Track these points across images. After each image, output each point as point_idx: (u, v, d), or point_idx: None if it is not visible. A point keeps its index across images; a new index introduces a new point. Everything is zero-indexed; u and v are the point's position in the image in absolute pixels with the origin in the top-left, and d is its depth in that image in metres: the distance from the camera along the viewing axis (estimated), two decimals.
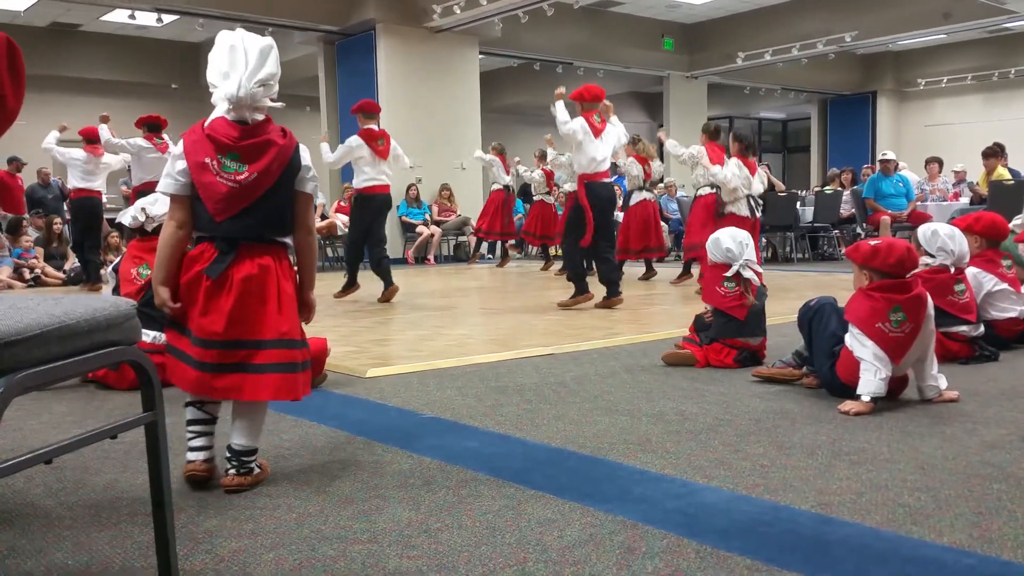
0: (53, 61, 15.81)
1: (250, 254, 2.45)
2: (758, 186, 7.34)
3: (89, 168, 9.54)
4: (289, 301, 2.52)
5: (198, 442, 2.56)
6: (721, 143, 7.92)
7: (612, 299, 6.84)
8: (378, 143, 7.44)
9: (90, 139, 9.48)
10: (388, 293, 7.62)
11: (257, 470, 2.55)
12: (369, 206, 7.53)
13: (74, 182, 9.69)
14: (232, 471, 2.50)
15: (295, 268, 2.60)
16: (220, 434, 2.62)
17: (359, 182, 7.55)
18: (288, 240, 2.56)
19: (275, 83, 2.51)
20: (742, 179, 7.18)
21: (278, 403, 3.58)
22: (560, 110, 6.83)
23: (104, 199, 10.05)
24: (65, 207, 11.71)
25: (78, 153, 9.54)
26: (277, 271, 2.48)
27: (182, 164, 2.44)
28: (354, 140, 7.44)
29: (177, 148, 2.49)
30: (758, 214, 7.39)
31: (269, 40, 2.52)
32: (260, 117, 2.50)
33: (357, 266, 7.89)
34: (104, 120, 9.09)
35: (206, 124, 2.47)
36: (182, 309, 2.45)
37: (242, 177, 2.41)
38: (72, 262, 11.18)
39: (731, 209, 7.26)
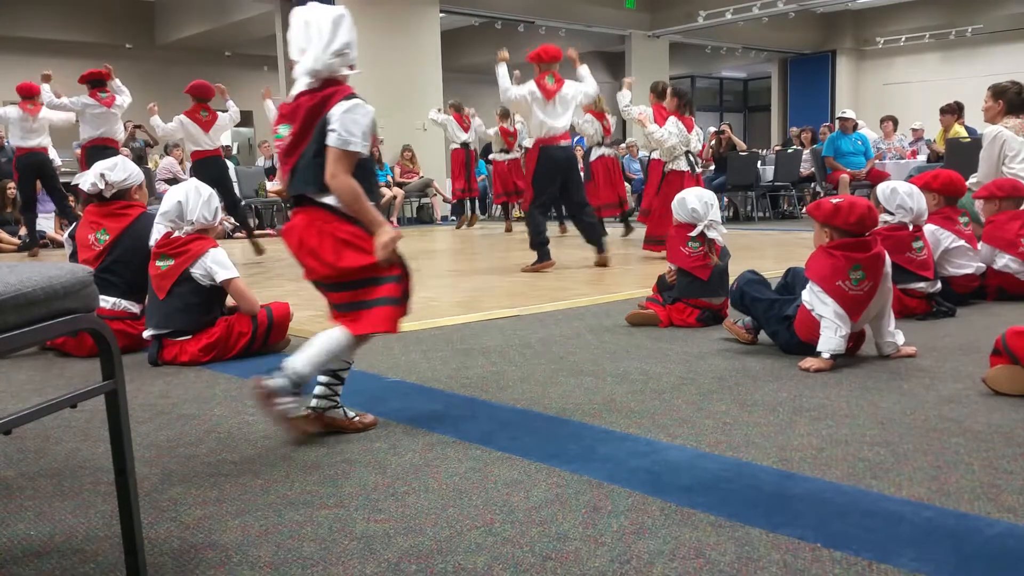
0: (4, 22, 15.35)
1: (298, 209, 2.59)
2: (695, 143, 7.37)
3: (27, 125, 9.30)
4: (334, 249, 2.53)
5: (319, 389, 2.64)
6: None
7: (601, 255, 6.94)
8: None
9: (27, 95, 9.23)
10: None
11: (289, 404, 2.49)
12: None
13: (15, 141, 9.45)
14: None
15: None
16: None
17: None
18: (331, 199, 2.52)
19: (351, 51, 2.55)
20: (680, 136, 7.20)
21: (243, 369, 3.57)
22: (502, 77, 6.72)
23: (55, 158, 9.82)
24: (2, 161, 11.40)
25: (13, 111, 9.30)
26: (306, 228, 2.54)
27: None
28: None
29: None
30: (698, 169, 7.42)
31: (340, 9, 2.54)
32: (299, 87, 2.54)
33: None
34: (46, 80, 8.85)
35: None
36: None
37: (286, 140, 2.54)
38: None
39: (671, 167, 7.29)
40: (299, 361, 2.49)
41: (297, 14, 2.53)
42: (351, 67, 2.57)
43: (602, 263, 6.90)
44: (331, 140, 2.46)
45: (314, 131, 2.49)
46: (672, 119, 7.24)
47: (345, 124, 2.46)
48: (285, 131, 2.54)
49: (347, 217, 2.52)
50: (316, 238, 2.52)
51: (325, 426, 2.64)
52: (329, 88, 2.51)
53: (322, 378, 2.62)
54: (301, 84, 2.53)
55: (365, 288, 2.55)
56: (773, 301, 3.68)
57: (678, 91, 7.47)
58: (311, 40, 2.49)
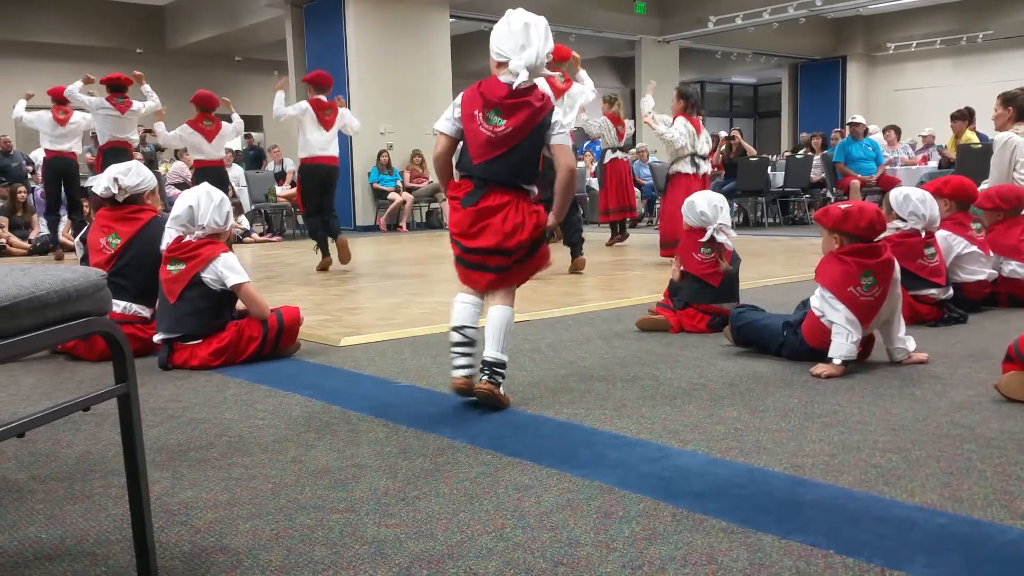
0: (14, 26, 15.44)
1: (496, 192, 2.90)
2: (703, 145, 7.34)
3: (58, 131, 9.38)
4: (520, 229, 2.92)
5: (461, 360, 2.96)
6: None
7: (576, 260, 7.00)
8: (325, 113, 7.40)
9: (57, 99, 9.31)
10: (341, 246, 7.62)
11: (502, 389, 2.94)
12: (311, 177, 7.50)
13: (46, 144, 9.54)
14: (485, 377, 2.91)
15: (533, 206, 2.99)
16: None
17: (301, 151, 7.51)
18: (531, 187, 2.97)
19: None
20: (688, 137, 7.19)
21: (253, 373, 3.58)
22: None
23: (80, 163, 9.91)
24: (39, 172, 11.44)
25: (44, 116, 9.39)
26: (512, 207, 2.90)
27: (457, 112, 2.93)
28: (305, 104, 7.41)
29: (456, 98, 2.97)
30: (703, 170, 7.39)
31: (543, 19, 2.92)
32: (530, 82, 2.86)
33: (321, 236, 7.76)
34: (87, 82, 8.94)
35: (481, 84, 2.93)
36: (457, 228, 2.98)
37: (499, 129, 2.84)
38: (38, 231, 11.00)
39: (676, 168, 7.27)
40: (496, 351, 2.92)
41: (515, 15, 2.88)
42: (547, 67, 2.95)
43: (577, 267, 6.99)
44: (555, 140, 2.92)
45: (533, 131, 2.86)
46: (680, 119, 7.23)
47: (564, 127, 2.95)
48: (496, 116, 2.85)
49: (529, 199, 2.97)
50: (521, 215, 2.91)
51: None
52: (537, 91, 2.89)
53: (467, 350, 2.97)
54: (521, 77, 2.81)
55: (534, 247, 2.98)
56: (767, 322, 3.68)
57: (684, 93, 7.43)
58: (531, 40, 2.84)
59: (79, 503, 2.17)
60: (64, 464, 2.48)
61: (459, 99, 2.95)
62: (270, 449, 2.58)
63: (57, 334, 1.50)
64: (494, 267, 2.96)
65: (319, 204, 7.56)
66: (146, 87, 9.00)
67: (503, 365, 2.95)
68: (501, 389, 2.95)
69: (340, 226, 7.77)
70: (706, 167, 7.36)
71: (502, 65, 2.89)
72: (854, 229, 3.38)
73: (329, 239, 7.67)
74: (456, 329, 2.99)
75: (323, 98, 7.45)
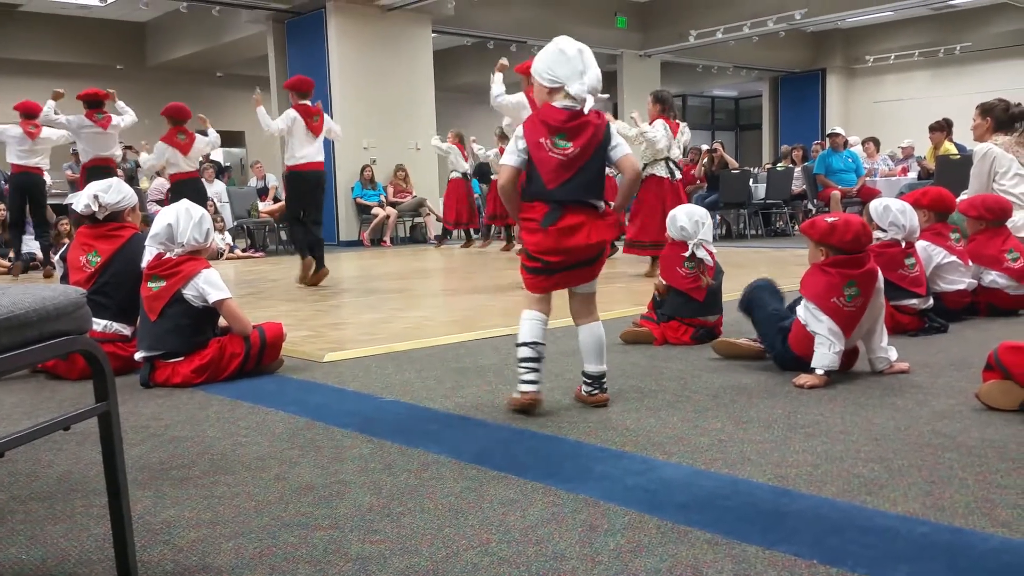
0: None
1: (572, 212, 2.98)
2: (676, 150, 7.39)
3: (27, 145, 9.28)
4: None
5: (530, 376, 3.03)
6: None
7: None
8: (313, 119, 7.40)
9: (27, 114, 9.22)
10: (319, 275, 7.57)
11: (607, 394, 3.14)
12: (302, 183, 7.46)
13: (12, 159, 9.43)
14: (594, 391, 3.13)
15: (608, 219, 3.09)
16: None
17: (290, 159, 7.47)
18: (600, 203, 3.05)
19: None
20: (667, 139, 7.24)
21: (236, 390, 3.56)
22: (497, 83, 6.71)
23: (48, 179, 9.81)
24: (3, 184, 11.36)
25: (14, 130, 9.29)
26: (590, 224, 3.00)
27: (523, 143, 3.02)
28: (293, 112, 7.38)
29: (519, 130, 3.06)
30: (677, 175, 7.42)
31: (578, 43, 3.04)
32: (589, 104, 2.98)
33: (303, 243, 7.70)
34: (57, 97, 8.86)
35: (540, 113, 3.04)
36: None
37: (568, 151, 2.94)
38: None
39: (649, 171, 7.31)
40: (597, 365, 3.11)
41: (565, 43, 3.01)
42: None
43: None
44: (622, 152, 3.04)
45: (598, 147, 2.98)
46: (660, 122, 7.29)
47: (617, 142, 3.05)
48: (562, 140, 2.96)
49: (599, 214, 3.06)
50: (601, 230, 3.02)
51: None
52: (592, 111, 2.98)
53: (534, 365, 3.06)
54: (589, 102, 2.96)
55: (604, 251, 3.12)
56: (776, 311, 3.68)
57: (659, 96, 7.49)
58: (587, 64, 2.98)
59: (60, 523, 2.15)
60: (45, 484, 2.46)
61: (520, 131, 3.05)
62: (253, 466, 2.57)
63: (37, 353, 1.49)
64: (578, 271, 3.07)
65: (303, 212, 7.52)
66: (120, 103, 8.96)
67: (605, 375, 3.15)
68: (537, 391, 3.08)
69: (324, 249, 7.74)
70: (679, 174, 7.42)
71: (556, 91, 3.00)
72: (839, 242, 3.41)
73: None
74: (527, 345, 3.04)
75: (308, 103, 7.45)
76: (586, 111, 2.96)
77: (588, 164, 2.98)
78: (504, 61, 6.98)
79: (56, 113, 8.80)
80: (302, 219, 7.57)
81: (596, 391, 3.13)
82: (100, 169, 8.27)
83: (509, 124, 8.89)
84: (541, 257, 3.02)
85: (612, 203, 3.17)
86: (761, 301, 3.74)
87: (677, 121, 7.49)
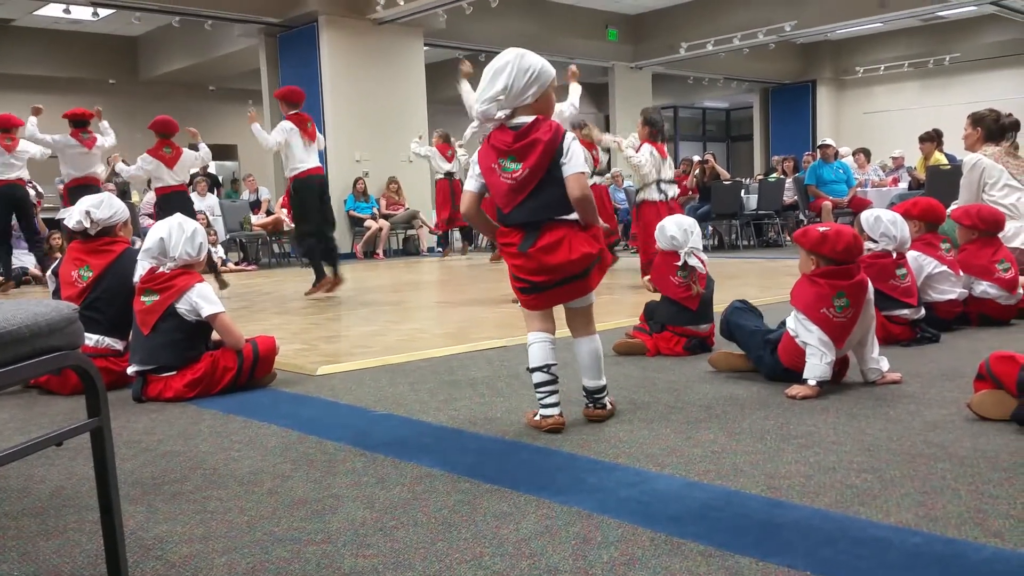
0: None
1: (548, 230, 2.91)
2: (667, 171, 7.37)
3: (4, 158, 9.20)
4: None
5: (551, 399, 3.00)
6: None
7: None
8: (307, 126, 7.47)
9: (5, 127, 9.18)
10: (336, 281, 7.59)
11: (609, 406, 3.13)
12: (309, 190, 7.49)
13: None
14: (591, 406, 3.10)
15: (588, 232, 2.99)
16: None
17: (294, 169, 7.47)
18: (574, 216, 2.93)
19: (524, 88, 2.87)
20: (654, 164, 7.20)
21: (228, 404, 3.55)
22: (465, 92, 6.38)
23: (32, 191, 9.75)
24: None
25: None
26: (570, 238, 2.91)
27: (477, 169, 2.99)
28: (287, 124, 7.41)
29: (475, 155, 3.01)
30: (670, 195, 7.39)
31: (506, 56, 2.90)
32: (529, 120, 2.88)
33: (317, 256, 7.72)
34: (36, 113, 8.84)
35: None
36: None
37: (516, 174, 2.87)
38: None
39: (643, 196, 7.30)
40: (595, 379, 3.09)
41: (494, 61, 2.90)
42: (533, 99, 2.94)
43: None
44: (569, 170, 2.86)
45: (550, 166, 2.86)
46: (647, 146, 7.21)
47: (570, 156, 2.88)
48: (514, 165, 2.87)
49: (581, 226, 2.96)
50: (583, 243, 2.92)
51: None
52: (544, 124, 2.86)
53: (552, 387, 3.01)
54: (519, 119, 2.88)
55: (596, 263, 3.00)
56: (757, 328, 3.71)
57: (649, 119, 7.32)
58: (497, 80, 2.86)
59: (52, 539, 2.14)
60: (37, 500, 2.45)
61: (475, 157, 3.01)
62: (246, 481, 2.56)
63: (29, 369, 1.49)
64: (568, 286, 3.00)
65: (321, 219, 7.55)
66: (104, 123, 8.94)
67: (605, 388, 3.13)
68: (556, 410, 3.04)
69: (338, 258, 7.78)
70: (673, 191, 7.39)
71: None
72: (831, 252, 3.42)
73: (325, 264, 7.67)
74: (540, 369, 3.01)
75: (299, 112, 7.50)
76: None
77: (542, 183, 2.87)
78: (466, 65, 6.65)
79: (40, 132, 8.78)
80: (315, 232, 7.57)
81: (593, 406, 3.11)
82: (83, 188, 8.23)
83: None
84: (526, 278, 2.98)
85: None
86: (740, 322, 3.77)
87: (663, 144, 7.36)
